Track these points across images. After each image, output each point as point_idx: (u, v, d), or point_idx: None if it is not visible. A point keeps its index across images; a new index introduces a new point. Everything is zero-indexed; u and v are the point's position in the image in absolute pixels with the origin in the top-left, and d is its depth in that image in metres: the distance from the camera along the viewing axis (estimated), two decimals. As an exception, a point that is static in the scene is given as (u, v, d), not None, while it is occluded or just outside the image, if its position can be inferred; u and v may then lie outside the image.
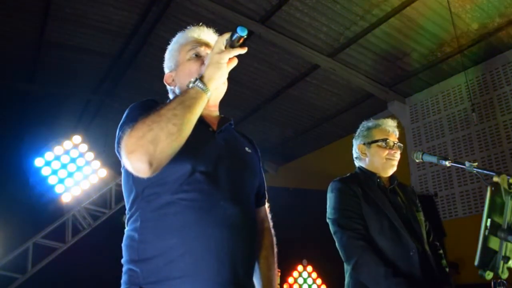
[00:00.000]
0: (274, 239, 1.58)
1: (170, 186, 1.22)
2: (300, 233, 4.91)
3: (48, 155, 3.98)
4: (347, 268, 2.00)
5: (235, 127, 1.54)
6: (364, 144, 2.20)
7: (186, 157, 1.21)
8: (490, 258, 1.38)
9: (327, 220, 2.09)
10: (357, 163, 2.26)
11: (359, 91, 5.89)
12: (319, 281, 5.09)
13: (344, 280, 2.03)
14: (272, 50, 5.22)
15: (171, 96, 1.54)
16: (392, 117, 2.32)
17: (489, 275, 1.36)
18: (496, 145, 4.94)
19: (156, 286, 1.14)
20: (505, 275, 1.37)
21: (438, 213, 5.26)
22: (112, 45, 5.24)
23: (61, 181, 3.98)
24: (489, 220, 1.39)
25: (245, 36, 1.18)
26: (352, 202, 2.01)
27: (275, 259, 1.53)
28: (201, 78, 1.19)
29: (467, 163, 1.71)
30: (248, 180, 1.39)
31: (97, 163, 4.20)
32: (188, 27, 1.54)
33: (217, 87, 1.31)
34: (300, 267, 5.05)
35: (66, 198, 3.97)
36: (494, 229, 1.39)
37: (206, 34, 1.51)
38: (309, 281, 5.03)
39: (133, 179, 1.26)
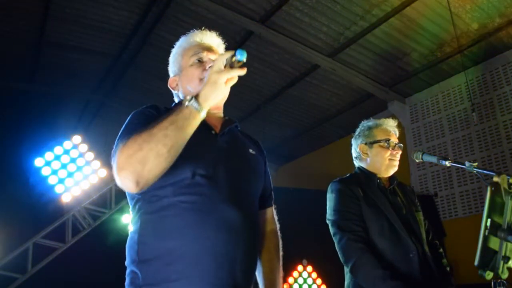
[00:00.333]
0: (280, 242, 1.56)
1: (170, 188, 1.23)
2: (300, 233, 4.91)
3: (48, 155, 3.97)
4: (347, 270, 2.00)
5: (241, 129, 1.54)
6: (365, 144, 2.18)
7: (186, 160, 1.22)
8: (490, 258, 1.38)
9: (327, 221, 2.09)
10: (357, 163, 2.25)
11: (359, 91, 5.89)
12: (319, 281, 5.09)
13: (344, 280, 2.03)
14: (272, 50, 5.22)
15: (176, 99, 1.54)
16: (392, 117, 2.31)
17: (489, 275, 1.36)
18: (496, 145, 4.94)
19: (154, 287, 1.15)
20: (505, 275, 1.37)
21: (438, 213, 5.26)
22: (112, 45, 5.25)
23: (61, 181, 3.98)
24: (489, 220, 1.39)
25: (244, 61, 1.15)
26: (351, 204, 2.01)
27: (280, 262, 1.51)
28: (197, 97, 1.16)
29: (467, 163, 1.71)
30: (251, 182, 1.39)
31: (97, 163, 4.19)
32: (191, 30, 1.53)
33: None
34: (300, 267, 5.05)
35: (66, 198, 3.97)
36: (494, 229, 1.39)
37: (209, 38, 1.51)
38: (309, 281, 5.03)
39: None
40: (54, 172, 3.96)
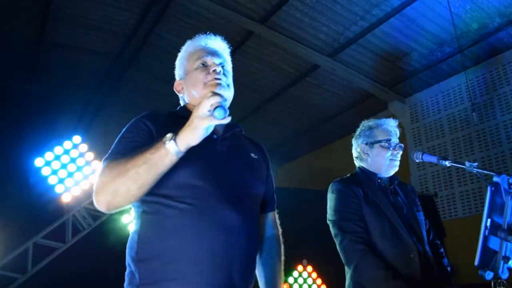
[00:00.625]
0: (282, 246, 1.57)
1: (169, 190, 1.25)
2: (300, 233, 4.90)
3: (48, 155, 3.97)
4: (347, 270, 2.00)
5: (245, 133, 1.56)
6: (366, 144, 2.18)
7: (186, 163, 1.24)
8: (490, 258, 1.38)
9: (328, 222, 2.09)
10: (358, 163, 2.25)
11: (359, 91, 5.89)
12: (319, 281, 5.09)
13: (344, 280, 2.03)
14: (272, 50, 5.22)
15: (181, 102, 1.56)
16: (392, 117, 2.31)
17: (489, 275, 1.36)
18: (496, 145, 4.94)
19: (151, 287, 1.17)
20: (505, 275, 1.37)
21: (438, 213, 5.26)
22: (112, 45, 5.25)
23: (61, 181, 3.97)
24: (489, 220, 1.39)
25: (225, 117, 1.15)
26: (352, 204, 2.01)
27: (282, 267, 1.53)
28: (176, 137, 1.16)
29: (467, 163, 1.71)
30: (251, 186, 1.40)
31: (97, 163, 4.19)
32: (191, 30, 1.55)
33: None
34: (300, 267, 5.05)
35: (66, 198, 3.97)
36: (494, 229, 1.39)
37: (214, 42, 1.52)
38: (309, 281, 5.03)
39: None
40: (54, 172, 3.95)
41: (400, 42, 4.89)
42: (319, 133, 7.10)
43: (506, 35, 4.69)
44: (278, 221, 1.61)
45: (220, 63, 1.47)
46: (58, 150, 4.04)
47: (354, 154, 2.27)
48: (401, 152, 2.15)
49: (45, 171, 3.93)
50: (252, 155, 1.48)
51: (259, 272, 1.49)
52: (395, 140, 2.14)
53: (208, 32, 1.54)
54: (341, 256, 1.98)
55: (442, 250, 2.13)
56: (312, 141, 7.41)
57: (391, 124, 2.20)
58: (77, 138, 4.16)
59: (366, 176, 2.13)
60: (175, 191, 1.25)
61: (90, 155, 4.17)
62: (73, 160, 4.07)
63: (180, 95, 1.56)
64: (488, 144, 5.02)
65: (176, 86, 1.54)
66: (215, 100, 1.15)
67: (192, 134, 1.16)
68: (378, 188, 2.08)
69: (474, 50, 4.96)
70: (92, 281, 3.56)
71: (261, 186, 1.47)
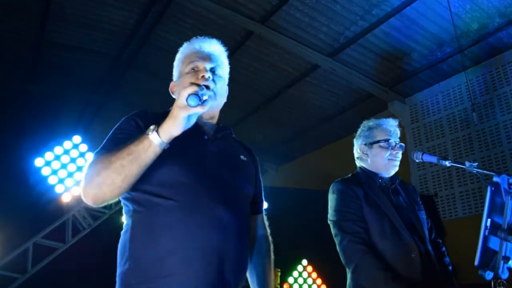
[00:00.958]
0: (272, 246, 1.61)
1: (160, 188, 1.27)
2: (300, 233, 4.91)
3: (48, 155, 3.97)
4: (348, 270, 2.00)
5: (235, 136, 1.59)
6: (365, 144, 2.18)
7: (177, 161, 1.28)
8: (490, 258, 1.38)
9: (329, 222, 2.09)
10: (359, 163, 2.25)
11: (359, 91, 5.89)
12: (319, 281, 5.09)
13: (344, 280, 2.03)
14: (272, 50, 5.22)
15: None
16: (392, 117, 2.31)
17: (489, 275, 1.36)
18: (496, 145, 4.94)
19: (145, 285, 1.19)
20: (505, 275, 1.37)
21: (438, 213, 5.26)
22: (112, 45, 5.25)
23: (61, 181, 3.97)
24: (489, 220, 1.39)
25: (200, 103, 1.17)
26: (353, 204, 2.01)
27: (272, 266, 1.57)
28: (159, 129, 1.18)
29: (467, 163, 1.71)
30: (241, 186, 1.42)
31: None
32: (191, 30, 1.57)
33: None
34: (300, 267, 5.05)
35: (66, 198, 3.97)
36: (494, 229, 1.39)
37: (208, 45, 1.53)
38: (309, 281, 5.03)
39: None
40: (54, 172, 3.95)
41: (400, 42, 4.89)
42: (319, 133, 7.10)
43: (506, 35, 4.69)
44: (266, 222, 1.65)
45: (212, 68, 1.47)
46: (58, 150, 4.04)
47: (355, 154, 2.27)
48: (401, 152, 2.15)
49: (45, 171, 3.93)
50: (242, 157, 1.51)
51: (250, 272, 1.51)
52: (394, 139, 2.14)
53: (208, 32, 1.55)
54: (341, 257, 1.98)
55: (444, 249, 2.13)
56: (312, 141, 7.41)
57: (391, 124, 2.19)
58: (77, 138, 4.16)
59: (367, 176, 2.13)
60: (166, 189, 1.26)
61: (90, 155, 4.17)
62: (73, 160, 4.07)
63: (174, 96, 1.57)
64: (488, 144, 5.02)
65: (171, 87, 1.56)
66: (192, 89, 1.16)
67: (173, 124, 1.18)
68: (379, 188, 2.08)
69: (474, 50, 4.96)
70: (92, 281, 3.56)
71: (251, 188, 1.49)
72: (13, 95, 6.09)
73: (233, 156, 1.48)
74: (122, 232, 1.33)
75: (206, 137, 1.43)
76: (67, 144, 4.10)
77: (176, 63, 1.56)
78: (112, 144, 1.29)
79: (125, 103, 6.08)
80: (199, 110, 1.18)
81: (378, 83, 5.70)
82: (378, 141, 2.13)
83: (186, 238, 1.21)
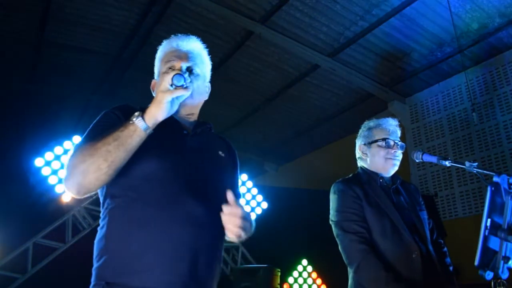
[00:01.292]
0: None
1: (136, 183, 1.28)
2: (300, 233, 4.91)
3: (48, 155, 3.97)
4: (350, 270, 2.00)
5: (219, 132, 1.62)
6: (365, 144, 2.19)
7: (153, 156, 1.29)
8: (490, 258, 1.38)
9: (330, 222, 2.09)
10: (360, 163, 2.25)
11: (359, 91, 5.89)
12: (319, 281, 5.09)
13: (344, 280, 2.03)
14: (272, 50, 5.22)
15: None
16: (392, 117, 2.31)
17: (489, 275, 1.36)
18: (496, 145, 4.94)
19: (120, 280, 1.20)
20: (505, 275, 1.37)
21: (438, 213, 5.26)
22: (112, 45, 5.25)
23: (61, 181, 3.97)
24: (489, 220, 1.39)
25: (184, 84, 1.21)
26: (354, 204, 2.01)
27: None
28: (144, 114, 1.21)
29: (467, 163, 1.71)
30: (217, 181, 1.42)
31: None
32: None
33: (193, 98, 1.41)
34: (300, 267, 5.05)
35: (66, 198, 3.97)
36: (494, 229, 1.39)
37: (186, 43, 1.51)
38: (309, 281, 5.04)
39: None
40: (54, 172, 3.95)
41: (400, 42, 4.89)
42: (319, 133, 7.10)
43: (506, 35, 4.69)
44: None
45: (189, 67, 1.46)
46: (58, 150, 4.04)
47: (356, 154, 2.27)
48: (400, 151, 2.14)
49: (45, 171, 3.93)
50: (220, 153, 1.51)
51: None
52: (393, 138, 2.13)
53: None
54: (343, 256, 1.98)
55: (445, 249, 2.13)
56: (312, 141, 7.41)
57: (390, 123, 2.19)
58: (77, 138, 4.16)
59: (368, 176, 2.13)
60: (143, 184, 1.27)
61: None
62: (73, 160, 4.07)
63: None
64: (488, 144, 5.02)
65: (152, 85, 1.57)
66: (173, 73, 1.21)
67: (158, 108, 1.20)
68: (380, 187, 2.08)
69: (474, 50, 4.96)
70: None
71: (227, 184, 1.48)
72: (13, 95, 6.09)
73: (211, 152, 1.48)
74: (98, 228, 1.34)
75: (185, 132, 1.44)
76: (67, 144, 4.10)
77: (156, 61, 1.56)
78: (94, 134, 1.29)
79: (125, 103, 6.06)
80: (182, 92, 1.21)
81: (378, 83, 5.70)
82: (376, 141, 2.13)
83: (160, 234, 1.22)
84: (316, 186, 5.31)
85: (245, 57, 5.33)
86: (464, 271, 4.12)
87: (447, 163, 1.83)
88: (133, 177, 1.28)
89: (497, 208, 1.43)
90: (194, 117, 1.53)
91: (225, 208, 1.24)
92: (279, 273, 4.27)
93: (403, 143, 2.16)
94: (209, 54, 1.58)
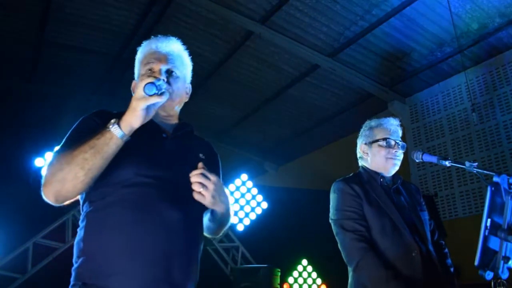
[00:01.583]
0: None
1: (113, 188, 1.28)
2: (300, 233, 4.92)
3: (48, 155, 3.97)
4: (350, 269, 2.00)
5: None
6: (366, 143, 2.19)
7: (131, 161, 1.29)
8: (490, 258, 1.38)
9: (330, 221, 2.09)
10: (361, 163, 2.26)
11: (359, 91, 5.89)
12: (319, 281, 5.10)
13: (344, 279, 2.03)
14: (272, 50, 5.22)
15: None
16: (392, 117, 2.31)
17: (489, 275, 1.36)
18: (496, 145, 4.94)
19: (96, 282, 1.21)
20: (505, 275, 1.37)
21: (438, 213, 5.26)
22: (112, 45, 5.25)
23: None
24: (489, 220, 1.39)
25: (157, 92, 1.20)
26: (353, 203, 2.01)
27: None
28: (120, 121, 1.21)
29: (467, 163, 1.71)
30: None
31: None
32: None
33: (174, 99, 1.42)
34: (300, 267, 5.05)
35: (66, 198, 3.97)
36: (494, 229, 1.39)
37: (166, 45, 1.52)
38: (309, 281, 5.04)
39: None
40: (54, 172, 3.95)
41: (400, 42, 4.89)
42: (319, 133, 7.10)
43: (506, 35, 4.69)
44: None
45: (169, 69, 1.46)
46: (58, 150, 4.04)
47: (357, 154, 2.27)
48: (401, 151, 2.15)
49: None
50: (200, 155, 1.50)
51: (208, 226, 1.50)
52: (394, 138, 2.13)
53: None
54: (343, 255, 1.98)
55: (446, 250, 2.13)
56: (312, 141, 7.41)
57: (391, 123, 2.19)
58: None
59: (369, 175, 2.13)
60: (120, 189, 1.28)
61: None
62: (73, 160, 4.07)
63: None
64: (488, 144, 5.02)
65: (132, 87, 1.57)
66: (149, 79, 1.20)
67: (132, 116, 1.21)
68: (380, 187, 2.08)
69: (474, 50, 4.96)
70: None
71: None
72: (13, 95, 6.09)
73: (191, 154, 1.47)
74: (78, 229, 1.35)
75: (164, 135, 1.44)
76: (67, 144, 4.10)
77: (135, 63, 1.56)
78: (72, 142, 1.29)
79: (125, 103, 6.06)
80: (157, 99, 1.21)
81: (378, 83, 5.70)
82: (377, 140, 2.14)
83: (135, 239, 1.23)
84: (316, 186, 5.31)
85: (245, 57, 5.33)
86: (464, 271, 4.12)
87: (447, 163, 1.83)
88: (110, 183, 1.28)
89: (497, 208, 1.43)
90: (174, 119, 1.53)
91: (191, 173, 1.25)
92: (279, 273, 4.27)
93: (404, 143, 2.17)
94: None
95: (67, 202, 1.27)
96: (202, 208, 1.43)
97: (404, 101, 6.00)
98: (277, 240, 4.80)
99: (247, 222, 4.93)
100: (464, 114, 5.30)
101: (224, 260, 4.91)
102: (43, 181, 1.24)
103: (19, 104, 6.21)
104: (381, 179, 2.11)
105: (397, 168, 2.15)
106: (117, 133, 1.20)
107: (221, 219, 1.45)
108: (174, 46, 1.53)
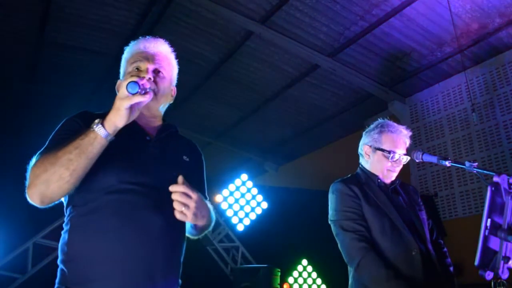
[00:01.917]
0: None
1: (96, 194, 1.28)
2: (300, 233, 4.92)
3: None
4: (350, 269, 2.00)
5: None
6: (370, 146, 2.18)
7: (114, 166, 1.29)
8: (490, 258, 1.38)
9: (329, 222, 2.09)
10: (361, 160, 2.26)
11: (359, 91, 5.89)
12: (319, 281, 5.10)
13: (344, 279, 2.03)
14: (272, 50, 5.22)
15: None
16: (392, 117, 2.31)
17: (489, 275, 1.36)
18: (496, 145, 4.94)
19: (78, 286, 1.22)
20: (505, 275, 1.37)
21: (438, 213, 5.26)
22: (112, 45, 5.25)
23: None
24: (489, 220, 1.39)
25: (135, 93, 1.20)
26: (352, 203, 2.01)
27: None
28: (103, 121, 1.21)
29: (467, 163, 1.71)
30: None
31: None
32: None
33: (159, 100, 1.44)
34: (300, 267, 5.05)
35: (66, 198, 3.98)
36: (494, 229, 1.39)
37: (153, 46, 1.53)
38: (309, 281, 5.04)
39: None
40: (54, 172, 3.96)
41: (400, 42, 4.89)
42: (319, 133, 7.09)
43: (506, 35, 4.69)
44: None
45: (156, 69, 1.47)
46: (58, 150, 4.04)
47: (359, 150, 2.26)
48: (401, 166, 2.14)
49: (45, 171, 3.93)
50: (185, 157, 1.50)
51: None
52: (400, 152, 2.11)
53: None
54: (343, 255, 1.98)
55: (445, 249, 2.14)
56: (312, 141, 7.41)
57: (403, 134, 2.15)
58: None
59: (367, 176, 2.14)
60: (103, 195, 1.28)
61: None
62: (73, 160, 4.07)
63: None
64: (488, 144, 5.02)
65: (117, 86, 1.57)
66: (132, 78, 1.21)
67: (116, 115, 1.21)
68: (378, 188, 2.09)
69: (474, 50, 4.96)
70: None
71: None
72: (13, 95, 6.09)
73: (174, 158, 1.47)
74: (62, 232, 1.36)
75: (148, 138, 1.43)
76: (67, 144, 4.10)
77: (122, 62, 1.56)
78: (55, 143, 1.29)
79: (125, 103, 6.06)
80: (140, 99, 1.20)
81: (378, 83, 5.70)
82: (383, 150, 2.11)
83: (118, 244, 1.23)
84: (316, 186, 5.31)
85: (245, 57, 5.33)
86: (464, 271, 4.12)
87: (447, 163, 1.83)
88: (94, 189, 1.28)
89: (497, 208, 1.43)
90: (158, 121, 1.52)
91: (171, 187, 1.23)
92: (279, 273, 4.27)
93: (408, 156, 2.13)
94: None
95: (52, 204, 1.26)
96: None
97: (404, 101, 6.00)
98: (277, 240, 4.80)
99: (247, 222, 4.94)
100: (464, 114, 5.30)
101: (224, 260, 4.91)
102: (27, 183, 1.23)
103: (19, 104, 6.22)
104: (379, 180, 2.12)
105: (393, 179, 2.16)
106: (101, 133, 1.20)
107: (202, 228, 1.46)
108: (162, 48, 1.55)
